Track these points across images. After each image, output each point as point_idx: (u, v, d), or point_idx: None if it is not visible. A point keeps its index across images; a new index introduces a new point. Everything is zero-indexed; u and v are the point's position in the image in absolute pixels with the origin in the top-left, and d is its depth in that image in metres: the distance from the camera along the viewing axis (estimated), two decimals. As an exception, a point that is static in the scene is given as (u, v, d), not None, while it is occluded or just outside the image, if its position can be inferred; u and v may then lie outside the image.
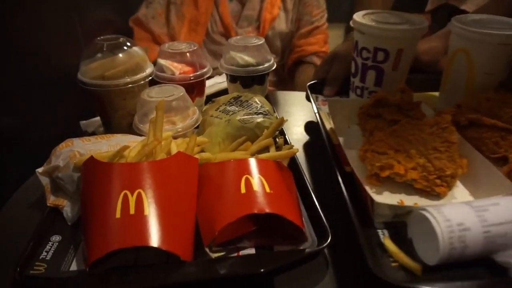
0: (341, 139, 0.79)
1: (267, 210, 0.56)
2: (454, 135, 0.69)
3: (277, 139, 0.83)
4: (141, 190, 0.57)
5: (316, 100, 1.02)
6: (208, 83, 1.12)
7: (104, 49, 0.81)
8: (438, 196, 0.65)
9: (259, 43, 0.97)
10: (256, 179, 0.60)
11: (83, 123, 0.95)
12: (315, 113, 0.90)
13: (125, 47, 0.83)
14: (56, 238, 0.65)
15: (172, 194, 0.59)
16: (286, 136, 0.86)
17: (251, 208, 0.56)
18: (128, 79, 0.81)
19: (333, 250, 0.62)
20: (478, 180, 0.66)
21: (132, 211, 0.55)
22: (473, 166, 0.67)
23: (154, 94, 0.80)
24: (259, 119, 0.83)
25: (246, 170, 0.62)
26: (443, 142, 0.66)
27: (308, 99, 1.02)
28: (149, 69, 0.86)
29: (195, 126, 0.83)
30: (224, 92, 1.06)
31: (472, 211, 0.51)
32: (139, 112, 0.80)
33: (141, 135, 0.78)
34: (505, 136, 0.74)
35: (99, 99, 0.83)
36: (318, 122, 0.87)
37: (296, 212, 0.59)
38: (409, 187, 0.65)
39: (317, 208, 0.65)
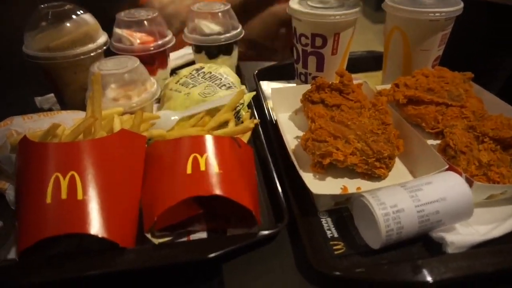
0: (288, 128, 0.79)
1: (212, 192, 0.51)
2: (389, 116, 0.67)
3: (240, 113, 0.78)
4: (74, 173, 0.51)
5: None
6: (176, 54, 1.06)
7: (49, 17, 0.74)
8: (379, 178, 0.64)
9: (225, 8, 0.89)
10: (205, 158, 0.55)
11: (38, 99, 0.89)
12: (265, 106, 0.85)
13: (73, 15, 0.75)
14: (-3, 223, 0.61)
15: (113, 176, 0.54)
16: (254, 110, 0.80)
17: (194, 190, 0.51)
18: (77, 51, 0.74)
19: (290, 234, 0.58)
20: (416, 158, 0.66)
21: (64, 195, 0.50)
22: (411, 145, 0.67)
23: (105, 67, 0.73)
24: (221, 92, 0.77)
25: (196, 149, 0.57)
26: (380, 124, 0.65)
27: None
28: (102, 39, 0.79)
29: (153, 99, 0.77)
30: (192, 63, 0.99)
31: (406, 192, 0.50)
32: (89, 86, 0.74)
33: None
34: (442, 110, 0.73)
35: (47, 73, 0.77)
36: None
37: (247, 194, 0.54)
38: (351, 171, 0.65)
39: (277, 188, 0.61)
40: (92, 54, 0.76)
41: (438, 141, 0.74)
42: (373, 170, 0.62)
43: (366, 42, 1.58)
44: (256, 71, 0.99)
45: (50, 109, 0.88)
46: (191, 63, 1.01)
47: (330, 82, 0.77)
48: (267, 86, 0.98)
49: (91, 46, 0.76)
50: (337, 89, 0.76)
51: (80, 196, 0.50)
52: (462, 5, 0.78)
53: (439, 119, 0.73)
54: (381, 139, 0.61)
